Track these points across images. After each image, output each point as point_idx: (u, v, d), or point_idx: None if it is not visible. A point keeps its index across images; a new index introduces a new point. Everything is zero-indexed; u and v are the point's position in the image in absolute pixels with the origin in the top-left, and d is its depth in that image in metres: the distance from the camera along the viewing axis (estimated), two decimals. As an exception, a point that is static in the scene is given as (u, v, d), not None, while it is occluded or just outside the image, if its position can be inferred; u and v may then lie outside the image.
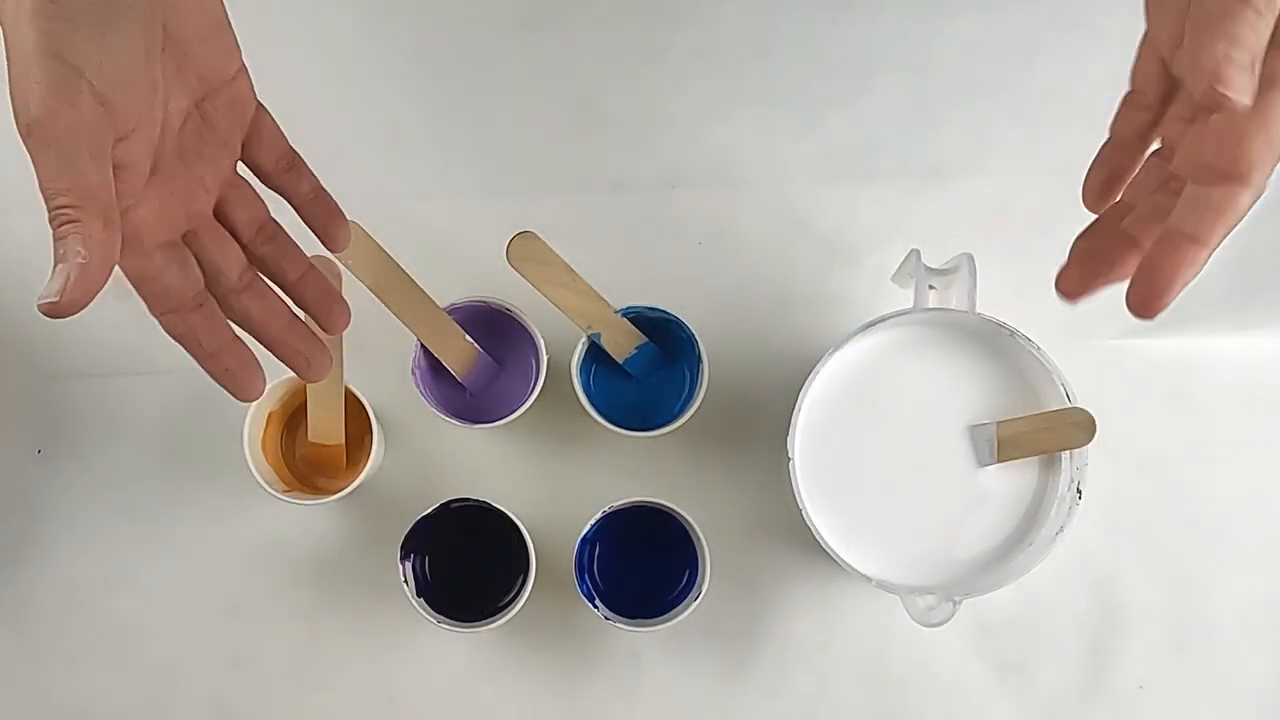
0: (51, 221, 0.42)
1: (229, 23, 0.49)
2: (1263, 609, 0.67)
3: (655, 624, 0.63)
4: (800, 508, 0.60)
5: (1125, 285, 0.69)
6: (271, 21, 0.70)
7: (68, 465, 0.68)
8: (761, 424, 0.67)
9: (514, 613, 0.62)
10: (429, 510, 0.62)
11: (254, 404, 0.62)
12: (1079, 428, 0.58)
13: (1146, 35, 0.48)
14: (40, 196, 0.70)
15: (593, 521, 0.62)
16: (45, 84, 0.41)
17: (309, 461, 0.66)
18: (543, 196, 0.69)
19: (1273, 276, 0.68)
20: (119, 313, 0.69)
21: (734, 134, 0.70)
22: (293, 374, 0.62)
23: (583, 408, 0.63)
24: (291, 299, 0.53)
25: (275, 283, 0.53)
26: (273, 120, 0.53)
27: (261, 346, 0.51)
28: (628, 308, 0.63)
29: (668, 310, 0.63)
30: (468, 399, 0.66)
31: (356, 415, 0.64)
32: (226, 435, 0.65)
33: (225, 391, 0.48)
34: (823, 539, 0.60)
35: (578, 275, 0.61)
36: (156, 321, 0.47)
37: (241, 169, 0.52)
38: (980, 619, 0.67)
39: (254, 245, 0.51)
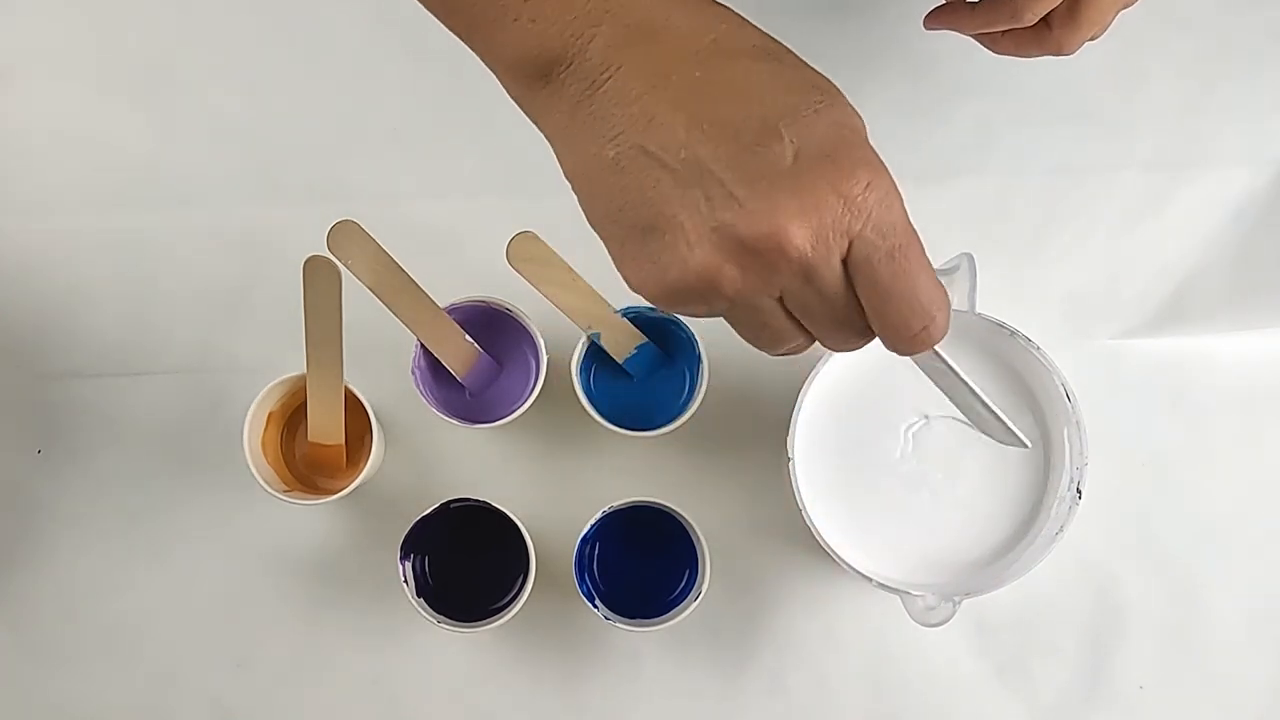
0: None
1: None
2: (1263, 609, 0.67)
3: (655, 624, 0.62)
4: (800, 508, 0.60)
5: (1128, 290, 0.69)
6: (272, 21, 0.70)
7: (68, 465, 0.68)
8: (761, 424, 0.67)
9: (514, 613, 0.62)
10: (429, 510, 0.62)
11: (254, 404, 0.62)
12: None
13: None
14: (38, 197, 0.70)
15: (593, 521, 0.62)
16: None
17: (309, 461, 0.66)
18: (543, 196, 0.68)
19: (1273, 276, 0.68)
20: (119, 313, 0.69)
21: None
22: (293, 374, 0.63)
23: (583, 408, 0.63)
24: None
25: None
26: None
27: None
28: (628, 308, 0.63)
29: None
30: (468, 399, 0.66)
31: (356, 415, 0.64)
32: (226, 435, 0.65)
33: None
34: (822, 539, 0.60)
35: (578, 275, 0.61)
36: None
37: None
38: (980, 619, 0.67)
39: None
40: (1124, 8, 0.55)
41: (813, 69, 0.39)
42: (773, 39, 0.39)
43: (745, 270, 0.37)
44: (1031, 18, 0.53)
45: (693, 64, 0.37)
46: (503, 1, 0.38)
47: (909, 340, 0.39)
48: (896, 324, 0.39)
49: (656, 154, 0.37)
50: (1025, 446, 0.50)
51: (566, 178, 0.40)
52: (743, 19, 0.39)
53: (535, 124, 0.41)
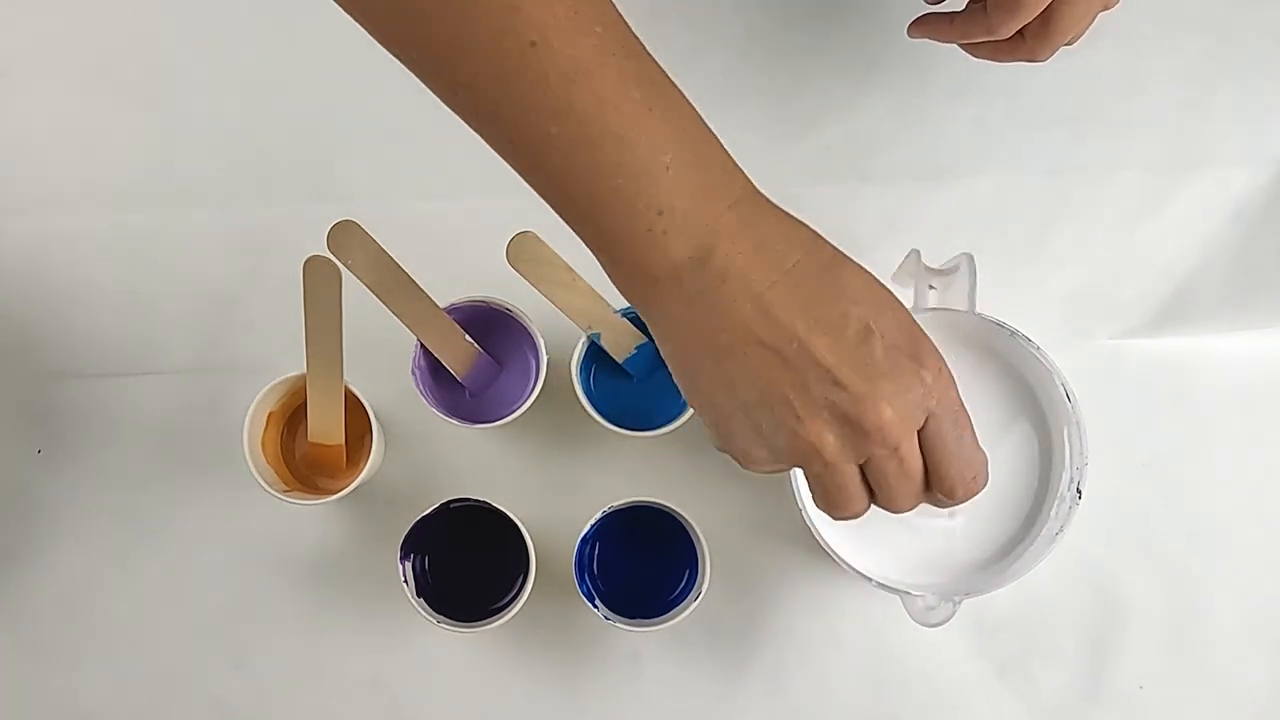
0: None
1: None
2: (1263, 609, 0.67)
3: (655, 624, 0.63)
4: (800, 508, 0.60)
5: (1128, 290, 0.69)
6: (272, 21, 0.70)
7: (68, 465, 0.68)
8: (761, 424, 0.67)
9: (514, 613, 0.62)
10: (429, 510, 0.62)
11: (254, 404, 0.62)
12: None
13: None
14: (38, 197, 0.70)
15: (593, 521, 0.62)
16: None
17: (309, 461, 0.66)
18: (543, 196, 0.69)
19: (1273, 276, 0.68)
20: (119, 313, 0.69)
21: (733, 134, 0.69)
22: (293, 374, 0.63)
23: (583, 408, 0.63)
24: None
25: None
26: None
27: None
28: (628, 308, 0.63)
29: (668, 310, 0.63)
30: (468, 399, 0.66)
31: (356, 415, 0.64)
32: (226, 435, 0.65)
33: None
34: (822, 539, 0.60)
35: (578, 275, 0.61)
36: None
37: None
38: (980, 619, 0.67)
39: None
40: (1102, 10, 0.57)
41: (870, 273, 0.46)
42: (840, 250, 0.46)
43: (844, 440, 0.45)
44: (1006, 32, 0.56)
45: (796, 272, 0.44)
46: (637, 214, 0.44)
47: (964, 489, 0.48)
48: (955, 478, 0.47)
49: (771, 344, 0.44)
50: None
51: (665, 357, 0.47)
52: (817, 234, 0.46)
53: (641, 310, 0.47)
